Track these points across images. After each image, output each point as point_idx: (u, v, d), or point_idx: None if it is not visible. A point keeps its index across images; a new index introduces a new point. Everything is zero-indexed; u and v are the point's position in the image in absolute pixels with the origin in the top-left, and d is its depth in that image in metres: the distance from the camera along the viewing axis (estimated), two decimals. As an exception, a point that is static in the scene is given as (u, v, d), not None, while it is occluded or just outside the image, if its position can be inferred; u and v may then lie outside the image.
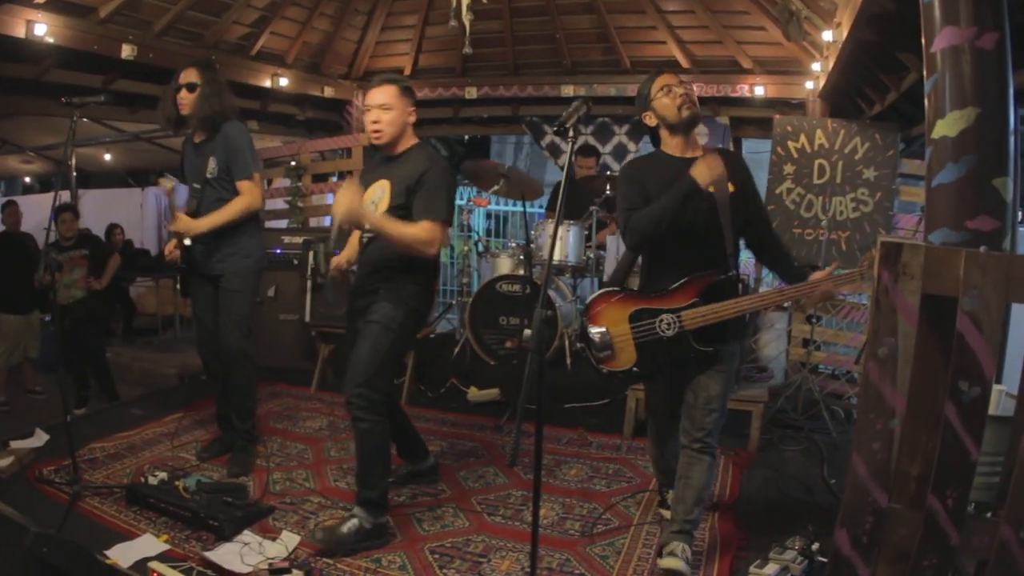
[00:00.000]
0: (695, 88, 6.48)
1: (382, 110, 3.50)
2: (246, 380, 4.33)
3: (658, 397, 3.64)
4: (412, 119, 3.62)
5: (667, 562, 3.20)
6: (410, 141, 3.65)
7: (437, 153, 3.78)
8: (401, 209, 3.50)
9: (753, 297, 3.56)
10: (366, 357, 3.45)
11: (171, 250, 4.32)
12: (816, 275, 3.24)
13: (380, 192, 3.57)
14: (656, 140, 3.46)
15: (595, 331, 3.37)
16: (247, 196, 4.18)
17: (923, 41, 2.47)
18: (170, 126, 4.29)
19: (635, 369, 3.35)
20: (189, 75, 4.12)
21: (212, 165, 4.15)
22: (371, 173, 3.72)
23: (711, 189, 3.22)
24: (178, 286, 4.67)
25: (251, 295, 4.35)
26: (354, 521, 3.44)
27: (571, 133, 2.77)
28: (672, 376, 3.42)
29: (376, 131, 3.54)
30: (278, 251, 6.17)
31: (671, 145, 3.38)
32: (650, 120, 3.40)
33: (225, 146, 4.14)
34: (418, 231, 3.43)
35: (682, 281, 3.25)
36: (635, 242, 3.26)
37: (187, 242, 4.18)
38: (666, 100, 3.31)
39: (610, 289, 3.42)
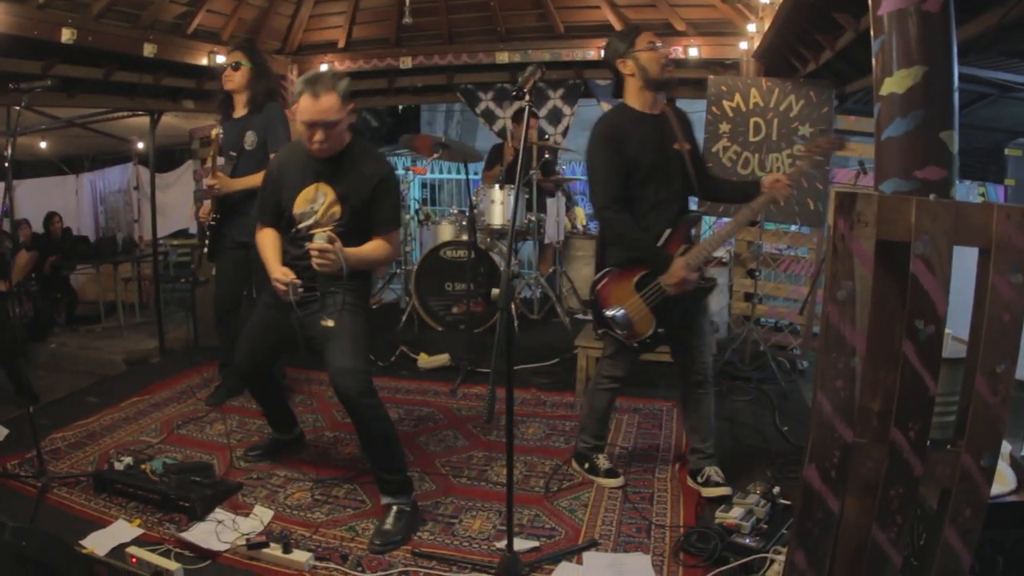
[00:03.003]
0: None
1: (326, 128, 3.22)
2: None
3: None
4: (350, 120, 3.33)
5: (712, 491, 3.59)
6: (346, 138, 3.39)
7: (376, 150, 3.69)
8: (357, 218, 3.40)
9: (728, 224, 3.64)
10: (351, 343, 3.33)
11: (205, 211, 4.80)
12: (767, 178, 3.47)
13: (321, 197, 3.38)
14: (619, 91, 3.57)
15: (610, 312, 3.53)
16: None
17: (870, 4, 2.57)
18: (221, 105, 4.82)
19: (660, 331, 3.52)
20: (235, 56, 4.67)
21: (251, 138, 4.67)
22: (298, 165, 3.46)
23: (685, 146, 3.51)
24: (205, 249, 4.85)
25: None
26: (394, 511, 3.33)
27: (528, 97, 2.93)
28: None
29: (321, 149, 3.28)
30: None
31: (639, 100, 3.51)
32: (626, 68, 3.48)
33: (265, 123, 4.66)
34: (387, 247, 3.44)
35: (666, 235, 3.47)
36: (599, 221, 3.57)
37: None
38: (653, 55, 3.42)
39: (607, 269, 3.57)
